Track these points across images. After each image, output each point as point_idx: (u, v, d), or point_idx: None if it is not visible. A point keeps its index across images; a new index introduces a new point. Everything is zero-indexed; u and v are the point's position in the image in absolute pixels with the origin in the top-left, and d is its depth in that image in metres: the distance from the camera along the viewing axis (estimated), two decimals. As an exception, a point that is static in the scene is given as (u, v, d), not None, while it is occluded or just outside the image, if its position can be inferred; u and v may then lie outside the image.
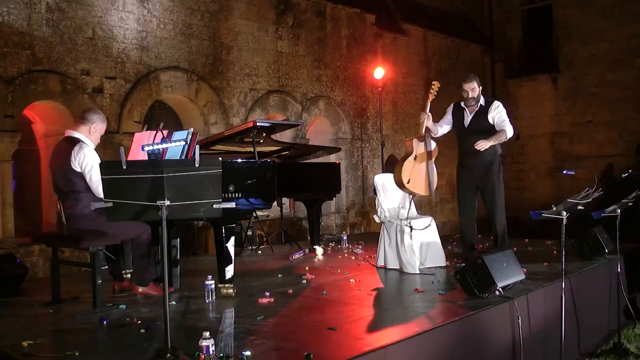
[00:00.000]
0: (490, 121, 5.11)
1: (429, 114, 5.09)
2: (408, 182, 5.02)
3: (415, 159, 5.07)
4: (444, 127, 5.34)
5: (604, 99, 13.63)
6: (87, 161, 3.98)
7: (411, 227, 5.12)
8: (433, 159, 5.17)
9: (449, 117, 5.36)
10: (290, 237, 8.00)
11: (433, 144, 5.18)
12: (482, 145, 4.90)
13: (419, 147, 5.11)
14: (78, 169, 3.98)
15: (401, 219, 5.22)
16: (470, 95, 5.13)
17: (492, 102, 5.22)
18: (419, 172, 5.07)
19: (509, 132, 5.03)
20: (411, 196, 5.30)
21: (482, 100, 5.19)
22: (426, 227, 5.16)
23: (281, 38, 9.94)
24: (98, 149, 4.22)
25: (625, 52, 13.31)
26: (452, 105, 5.40)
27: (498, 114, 5.11)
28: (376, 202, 5.55)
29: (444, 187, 12.81)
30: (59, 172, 4.07)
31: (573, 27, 14.04)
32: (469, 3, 15.28)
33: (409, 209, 5.34)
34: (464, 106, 5.22)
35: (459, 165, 5.37)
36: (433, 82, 5.18)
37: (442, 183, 11.75)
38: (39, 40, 7.03)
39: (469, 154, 5.14)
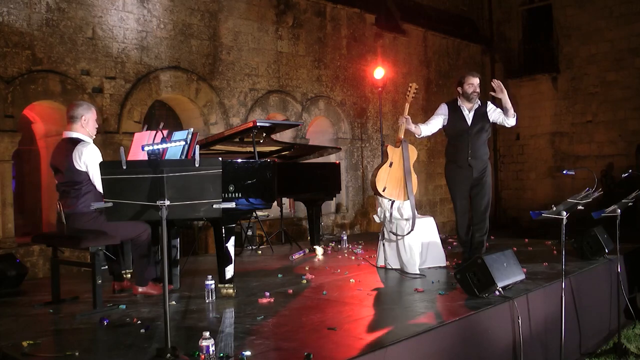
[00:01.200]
0: (493, 120, 5.15)
1: (408, 116, 5.06)
2: (384, 190, 5.01)
3: (390, 165, 5.04)
4: (432, 127, 5.22)
5: (604, 99, 13.62)
6: (91, 159, 4.01)
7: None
8: (411, 164, 5.12)
9: (442, 117, 5.22)
10: (290, 237, 7.99)
11: (411, 148, 5.13)
12: (500, 86, 4.96)
13: (394, 154, 5.08)
14: (82, 168, 4.00)
15: (401, 218, 5.22)
16: (476, 90, 5.10)
17: (487, 102, 5.22)
18: (395, 179, 5.05)
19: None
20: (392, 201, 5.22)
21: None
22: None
23: (281, 38, 9.94)
24: (98, 148, 4.21)
25: (625, 52, 13.30)
26: (444, 106, 5.28)
27: (497, 111, 5.19)
28: (376, 202, 5.54)
29: (444, 187, 12.79)
30: (61, 170, 4.08)
31: (573, 27, 14.03)
32: (468, 3, 15.27)
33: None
34: (461, 105, 5.17)
35: (453, 165, 5.25)
36: (410, 84, 5.11)
37: (442, 183, 11.74)
38: (39, 40, 7.04)
39: (471, 153, 5.11)
